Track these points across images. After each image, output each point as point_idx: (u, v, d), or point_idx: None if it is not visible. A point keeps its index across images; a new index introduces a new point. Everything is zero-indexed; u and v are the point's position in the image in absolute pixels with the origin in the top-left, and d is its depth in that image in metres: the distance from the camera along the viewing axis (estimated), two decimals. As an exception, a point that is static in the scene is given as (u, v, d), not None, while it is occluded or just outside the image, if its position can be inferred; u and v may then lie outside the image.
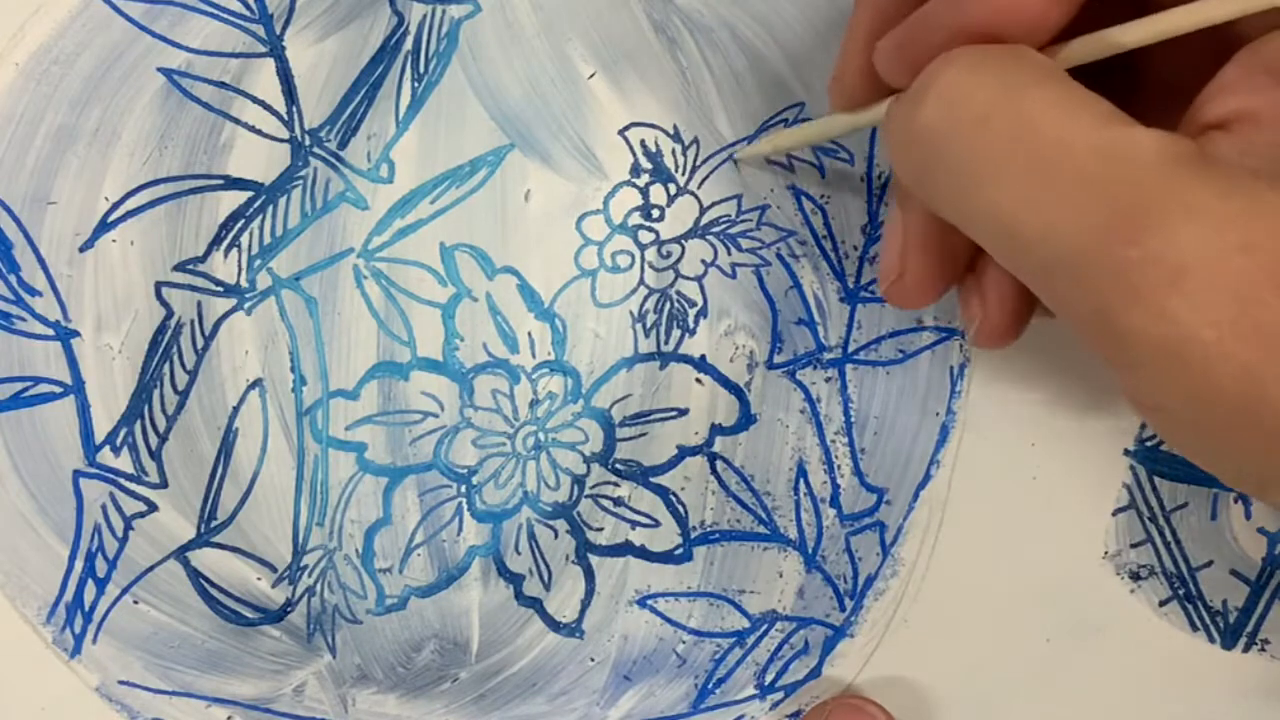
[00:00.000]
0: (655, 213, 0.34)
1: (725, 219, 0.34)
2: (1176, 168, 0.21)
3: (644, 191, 0.34)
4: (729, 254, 0.34)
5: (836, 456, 0.34)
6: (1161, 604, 0.35)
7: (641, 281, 0.34)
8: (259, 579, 0.34)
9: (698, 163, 0.34)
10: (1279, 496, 0.23)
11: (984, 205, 0.23)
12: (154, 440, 0.33)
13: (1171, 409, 0.22)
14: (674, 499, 0.34)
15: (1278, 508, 0.34)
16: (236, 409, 0.33)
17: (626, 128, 0.33)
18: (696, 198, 0.34)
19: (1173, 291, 0.21)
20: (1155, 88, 0.27)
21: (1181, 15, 0.23)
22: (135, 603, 0.34)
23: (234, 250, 0.33)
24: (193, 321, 0.33)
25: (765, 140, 0.33)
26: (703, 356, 0.34)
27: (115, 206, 0.33)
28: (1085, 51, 0.24)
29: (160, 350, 0.33)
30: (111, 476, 0.33)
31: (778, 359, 0.34)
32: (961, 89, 0.23)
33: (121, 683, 0.34)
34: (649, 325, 0.34)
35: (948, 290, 0.29)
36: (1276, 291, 0.20)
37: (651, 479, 0.34)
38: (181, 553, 0.34)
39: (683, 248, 0.34)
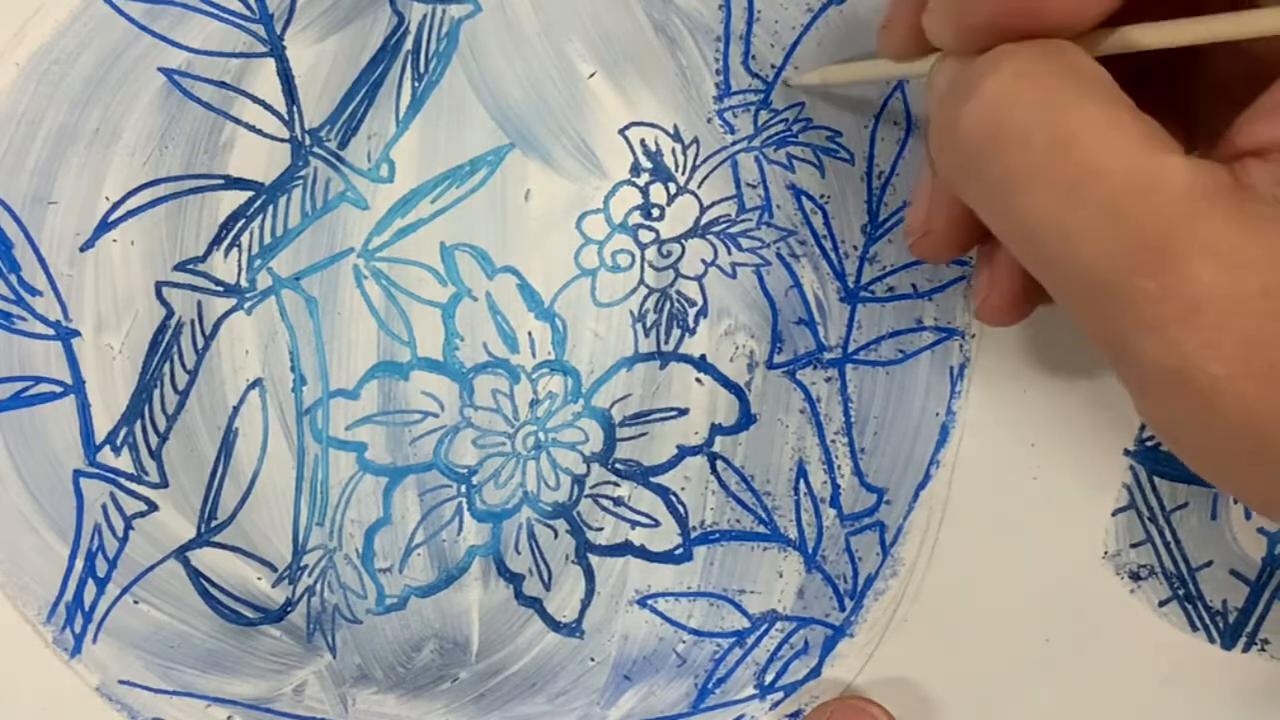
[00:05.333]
0: (655, 212, 0.34)
1: (725, 218, 0.34)
2: (1205, 203, 0.21)
3: (644, 191, 0.34)
4: (729, 253, 0.34)
5: (836, 456, 0.34)
6: (1161, 604, 0.35)
7: (641, 281, 0.34)
8: (259, 579, 0.34)
9: (698, 162, 0.34)
10: None
11: (1014, 215, 0.23)
12: (154, 440, 0.33)
13: (1178, 433, 0.23)
14: (674, 499, 0.34)
15: None
16: (236, 409, 0.33)
17: (626, 127, 0.33)
18: (696, 197, 0.34)
19: (1185, 326, 0.21)
20: (1215, 93, 0.27)
21: (1200, 26, 0.23)
22: (135, 602, 0.34)
23: (234, 250, 0.33)
24: (193, 321, 0.33)
25: (816, 72, 0.32)
26: (703, 356, 0.34)
27: (116, 206, 0.33)
28: (1108, 45, 0.24)
29: (160, 350, 0.33)
30: (112, 476, 0.33)
31: (778, 359, 0.34)
32: (1006, 99, 0.23)
33: (121, 682, 0.34)
34: (649, 325, 0.34)
35: (971, 248, 0.30)
36: None
37: (651, 479, 0.34)
38: (181, 552, 0.34)
39: (683, 247, 0.34)
